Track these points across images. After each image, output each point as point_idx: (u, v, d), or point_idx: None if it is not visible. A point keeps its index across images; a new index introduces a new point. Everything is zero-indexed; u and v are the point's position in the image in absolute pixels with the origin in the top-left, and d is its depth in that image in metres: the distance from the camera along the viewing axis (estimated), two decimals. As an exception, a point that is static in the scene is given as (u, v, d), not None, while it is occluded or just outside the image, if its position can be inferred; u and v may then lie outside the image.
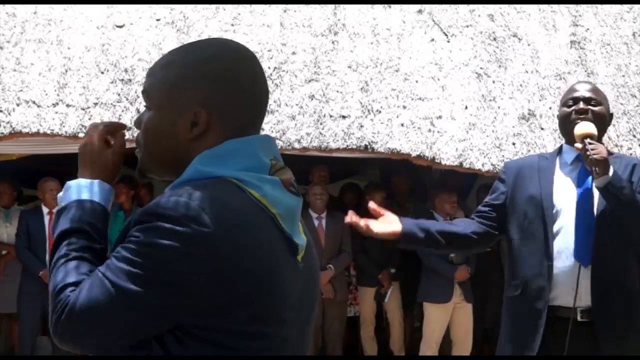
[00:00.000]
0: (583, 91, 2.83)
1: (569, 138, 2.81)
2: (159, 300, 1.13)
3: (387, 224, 2.74)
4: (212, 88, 1.26)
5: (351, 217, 2.71)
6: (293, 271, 1.25)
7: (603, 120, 2.80)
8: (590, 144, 2.61)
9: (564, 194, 2.74)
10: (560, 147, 2.95)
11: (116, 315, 1.14)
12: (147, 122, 1.31)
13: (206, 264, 1.13)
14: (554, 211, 2.73)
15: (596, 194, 2.68)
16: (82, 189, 1.30)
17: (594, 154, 2.56)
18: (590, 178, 2.68)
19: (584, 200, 2.70)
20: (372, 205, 2.79)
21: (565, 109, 2.84)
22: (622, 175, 2.66)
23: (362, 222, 2.68)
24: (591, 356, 2.63)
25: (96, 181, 1.32)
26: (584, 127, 2.69)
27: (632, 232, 2.65)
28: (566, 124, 2.82)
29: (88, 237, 1.25)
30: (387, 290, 6.14)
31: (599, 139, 2.74)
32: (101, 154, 1.34)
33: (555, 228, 2.71)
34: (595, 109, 2.78)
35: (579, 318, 2.64)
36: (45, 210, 6.03)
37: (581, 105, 2.78)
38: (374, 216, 2.78)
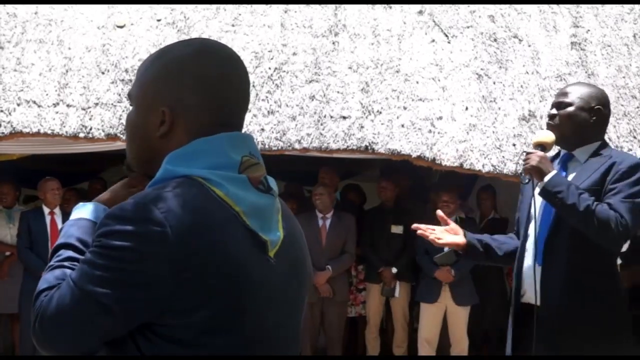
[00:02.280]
0: (557, 96, 2.94)
1: None
2: (122, 301, 1.16)
3: (452, 235, 2.92)
4: (180, 88, 1.29)
5: (418, 226, 2.90)
6: (262, 267, 1.26)
7: (571, 122, 2.84)
8: (527, 153, 2.77)
9: (539, 199, 2.82)
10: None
11: (83, 318, 1.18)
12: (127, 116, 1.38)
13: (163, 262, 1.16)
14: (530, 214, 2.84)
15: None
16: (78, 210, 1.40)
17: (524, 164, 2.74)
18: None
19: (546, 205, 2.81)
20: (440, 213, 2.97)
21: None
22: (595, 175, 2.72)
23: (430, 234, 2.88)
24: (585, 356, 2.65)
25: (91, 203, 1.40)
26: (537, 136, 2.87)
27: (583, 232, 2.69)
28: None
29: (74, 249, 1.31)
30: (393, 286, 6.12)
31: (578, 139, 2.83)
32: (117, 188, 1.46)
33: (529, 229, 2.84)
34: (563, 111, 2.85)
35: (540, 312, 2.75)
36: (46, 210, 6.03)
37: (552, 111, 2.89)
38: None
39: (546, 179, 2.67)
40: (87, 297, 1.17)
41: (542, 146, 2.79)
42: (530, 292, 2.77)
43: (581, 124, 2.83)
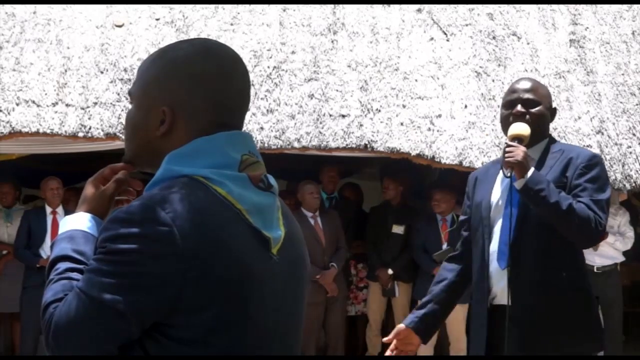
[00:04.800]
0: (521, 92, 2.80)
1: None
2: (134, 305, 1.16)
3: (407, 344, 2.82)
4: (181, 88, 1.29)
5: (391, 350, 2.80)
6: (266, 264, 1.26)
7: (542, 121, 2.79)
8: (509, 146, 2.65)
9: (500, 199, 2.78)
10: None
11: (97, 326, 1.18)
12: (127, 115, 1.37)
13: (171, 262, 1.16)
14: (491, 216, 2.78)
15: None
16: (66, 223, 1.38)
17: (508, 157, 2.60)
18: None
19: (509, 203, 2.73)
20: (387, 339, 2.84)
21: (504, 111, 2.83)
22: (554, 172, 2.69)
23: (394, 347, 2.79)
24: (578, 356, 2.64)
25: (77, 213, 1.39)
26: (514, 129, 2.71)
27: (559, 230, 2.65)
28: (504, 126, 2.82)
29: (72, 260, 1.30)
30: (391, 286, 6.12)
31: (539, 137, 2.77)
32: (89, 193, 1.42)
33: (492, 232, 2.77)
34: (533, 110, 2.76)
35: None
36: (48, 209, 6.04)
37: (518, 108, 2.76)
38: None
39: (528, 175, 2.60)
40: (99, 305, 1.16)
41: (519, 139, 2.69)
42: (501, 295, 2.71)
43: (545, 124, 2.82)
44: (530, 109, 2.76)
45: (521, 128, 2.70)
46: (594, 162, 2.69)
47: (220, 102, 1.30)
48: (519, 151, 2.61)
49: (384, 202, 6.53)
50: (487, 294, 2.75)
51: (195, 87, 1.29)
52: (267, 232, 1.27)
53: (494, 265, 2.74)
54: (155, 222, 1.16)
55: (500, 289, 2.71)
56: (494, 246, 2.75)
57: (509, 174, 2.64)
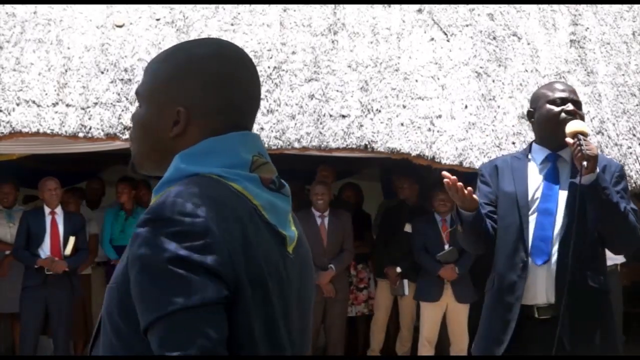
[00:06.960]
0: (569, 93, 2.86)
1: (554, 136, 2.80)
2: (206, 298, 1.10)
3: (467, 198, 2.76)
4: (197, 88, 1.27)
5: (449, 177, 2.71)
6: (285, 261, 1.25)
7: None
8: (583, 139, 2.65)
9: (536, 192, 2.80)
10: (530, 147, 2.98)
11: (202, 342, 1.08)
12: (136, 116, 1.34)
13: (210, 251, 1.11)
14: (528, 209, 2.79)
15: (562, 194, 2.73)
16: None
17: (587, 149, 2.58)
18: (555, 177, 2.76)
19: (546, 200, 2.76)
20: (446, 174, 2.76)
21: (553, 108, 2.82)
22: None
23: (457, 183, 2.71)
24: (582, 356, 2.64)
25: None
26: (579, 125, 2.72)
27: (605, 232, 2.67)
28: (553, 122, 2.81)
29: None
30: (398, 284, 6.11)
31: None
32: None
33: (529, 226, 2.77)
34: (580, 113, 2.83)
35: (536, 315, 2.71)
36: (47, 210, 6.04)
37: (571, 107, 2.80)
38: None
39: (597, 170, 2.62)
40: (190, 311, 1.09)
41: (583, 136, 2.69)
42: (533, 292, 2.71)
43: None
44: (578, 109, 2.82)
45: (583, 125, 2.74)
46: (624, 173, 2.80)
47: (234, 103, 1.29)
48: (593, 146, 2.63)
49: (399, 202, 6.52)
50: (518, 289, 2.72)
51: (211, 88, 1.27)
52: (282, 230, 1.26)
53: (530, 259, 2.74)
54: (190, 216, 1.12)
55: (531, 286, 2.71)
56: (529, 240, 2.75)
57: (586, 167, 2.58)
